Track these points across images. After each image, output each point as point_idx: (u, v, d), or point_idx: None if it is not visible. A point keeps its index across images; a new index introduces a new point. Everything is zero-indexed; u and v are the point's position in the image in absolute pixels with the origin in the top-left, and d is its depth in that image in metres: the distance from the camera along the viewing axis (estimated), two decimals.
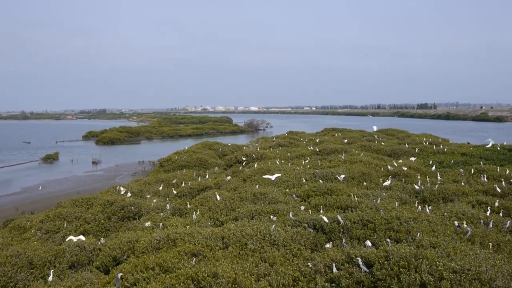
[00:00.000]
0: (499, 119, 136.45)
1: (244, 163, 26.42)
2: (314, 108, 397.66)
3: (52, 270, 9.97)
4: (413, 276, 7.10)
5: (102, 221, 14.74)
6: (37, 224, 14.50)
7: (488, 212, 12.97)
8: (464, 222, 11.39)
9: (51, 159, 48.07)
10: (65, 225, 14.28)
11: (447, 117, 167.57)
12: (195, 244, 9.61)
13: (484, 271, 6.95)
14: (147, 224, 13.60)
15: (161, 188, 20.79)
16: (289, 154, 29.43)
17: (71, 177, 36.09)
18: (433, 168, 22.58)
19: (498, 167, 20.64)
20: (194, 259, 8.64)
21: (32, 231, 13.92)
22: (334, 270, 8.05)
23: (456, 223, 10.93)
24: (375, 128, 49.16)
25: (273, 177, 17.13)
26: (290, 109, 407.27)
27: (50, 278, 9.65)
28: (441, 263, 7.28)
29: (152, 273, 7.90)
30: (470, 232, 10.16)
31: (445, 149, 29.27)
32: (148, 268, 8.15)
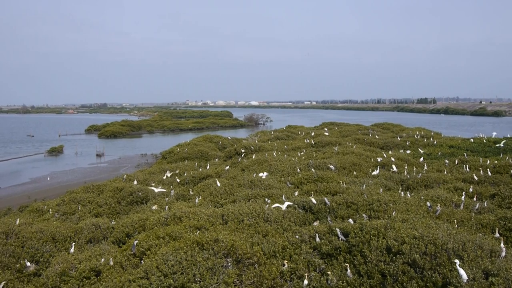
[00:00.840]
0: (497, 114, 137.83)
1: (243, 155, 27.84)
2: (314, 103, 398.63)
3: (74, 243, 11.41)
4: (380, 242, 8.53)
5: (113, 205, 16.19)
6: (54, 207, 15.95)
7: (463, 197, 14.40)
8: (438, 204, 12.81)
9: (56, 151, 49.49)
10: (79, 208, 15.74)
11: (446, 111, 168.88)
12: (198, 220, 11.04)
13: (439, 238, 8.36)
14: (154, 207, 15.00)
15: (164, 177, 22.21)
16: (286, 146, 30.85)
17: (76, 168, 37.55)
18: (421, 159, 23.98)
19: (481, 158, 22.04)
20: (198, 231, 10.07)
21: (50, 213, 15.37)
22: (317, 239, 9.47)
23: (428, 203, 12.37)
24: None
25: (264, 175, 18.30)
26: (290, 103, 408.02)
27: (72, 250, 11.07)
28: (405, 232, 8.70)
29: (162, 241, 9.33)
30: (439, 211, 11.59)
31: (435, 142, 30.66)
32: (159, 237, 9.58)
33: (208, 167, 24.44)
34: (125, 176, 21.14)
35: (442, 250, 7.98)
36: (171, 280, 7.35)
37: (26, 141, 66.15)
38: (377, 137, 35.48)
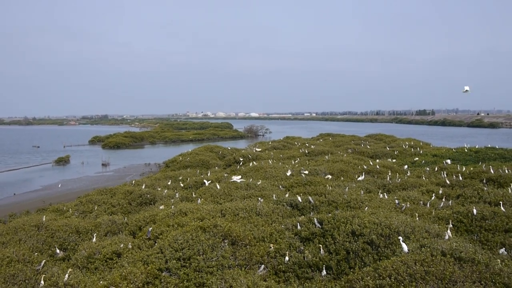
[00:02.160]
0: (492, 125, 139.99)
1: (241, 163, 29.94)
2: (314, 114, 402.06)
3: (95, 234, 13.47)
4: (347, 227, 10.60)
5: (125, 205, 18.28)
6: (73, 207, 18.04)
7: (433, 197, 16.48)
8: (408, 202, 14.88)
9: (63, 161, 51.61)
10: (95, 207, 17.82)
11: (443, 123, 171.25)
12: (201, 214, 13.11)
13: (394, 224, 10.42)
14: (162, 207, 17.05)
15: (169, 183, 24.30)
16: (281, 155, 32.98)
17: (84, 177, 39.62)
18: (406, 167, 26.09)
19: (458, 166, 24.12)
20: (201, 222, 12.14)
21: (70, 212, 17.45)
22: (298, 227, 11.54)
23: (396, 201, 14.46)
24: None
25: (238, 179, 20.31)
26: (290, 115, 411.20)
27: (94, 239, 13.12)
28: (367, 220, 10.78)
29: (172, 228, 11.40)
30: (404, 207, 13.68)
31: (421, 152, 32.79)
32: (169, 225, 11.66)
33: (209, 174, 26.51)
34: (133, 182, 23.23)
35: (394, 233, 10.06)
36: (181, 253, 9.43)
37: (33, 152, 68.25)
38: (368, 147, 37.65)
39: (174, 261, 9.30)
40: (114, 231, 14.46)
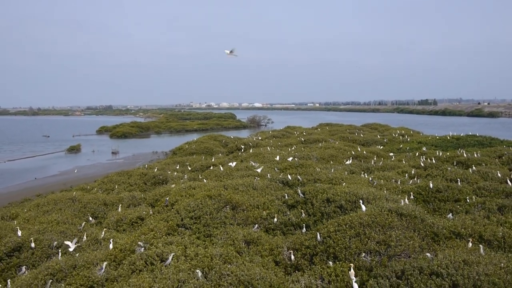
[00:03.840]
0: (492, 115, 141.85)
1: (242, 150, 32.76)
2: (317, 105, 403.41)
3: (120, 205, 16.35)
4: (324, 195, 13.41)
5: (141, 184, 21.17)
6: (96, 186, 20.96)
7: (406, 176, 19.24)
8: (382, 180, 17.65)
9: (75, 150, 54.66)
10: (116, 186, 20.71)
11: (444, 113, 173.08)
12: (207, 188, 15.95)
13: (360, 193, 13.20)
14: (173, 186, 19.91)
15: (177, 167, 27.15)
16: (279, 143, 35.77)
17: (97, 163, 42.60)
18: (391, 154, 28.81)
19: (438, 151, 26.82)
20: (207, 192, 14.97)
21: (95, 190, 20.35)
22: (286, 197, 14.37)
23: (370, 178, 17.24)
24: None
25: (233, 164, 23.04)
26: (293, 105, 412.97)
27: (119, 209, 15.99)
28: (339, 190, 13.57)
29: (184, 197, 14.25)
30: (375, 183, 16.47)
31: (408, 139, 35.49)
32: (182, 195, 14.51)
33: (213, 160, 29.31)
34: (146, 165, 26.10)
35: (359, 199, 12.84)
36: (193, 214, 12.29)
37: (44, 141, 71.35)
38: (362, 135, 40.37)
39: (188, 219, 12.16)
40: (135, 203, 17.32)
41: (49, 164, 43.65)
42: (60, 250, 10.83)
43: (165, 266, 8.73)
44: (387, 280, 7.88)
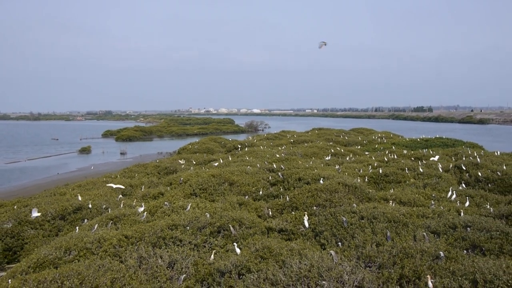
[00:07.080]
0: (482, 122, 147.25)
1: (239, 149, 37.66)
2: (315, 111, 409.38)
3: (143, 186, 21.17)
4: (297, 176, 18.30)
5: (156, 174, 26.00)
6: (119, 175, 25.77)
7: (370, 168, 24.12)
8: (347, 169, 22.52)
9: (86, 151, 59.54)
10: (136, 175, 25.55)
11: (437, 119, 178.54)
12: (210, 172, 20.80)
13: (322, 174, 18.06)
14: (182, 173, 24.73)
15: (182, 161, 31.97)
16: (272, 143, 40.70)
17: (110, 162, 47.44)
18: (367, 152, 33.71)
19: (405, 150, 31.72)
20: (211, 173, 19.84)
21: (118, 177, 25.17)
22: (270, 178, 19.25)
23: (336, 166, 22.15)
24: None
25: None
26: (291, 111, 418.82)
27: (143, 189, 20.78)
28: (309, 172, 18.45)
29: (194, 177, 19.11)
30: (340, 169, 21.36)
31: (385, 141, 40.43)
32: (192, 176, 19.38)
33: (214, 156, 34.18)
34: (157, 160, 30.96)
35: (321, 177, 17.70)
36: (201, 186, 17.20)
37: (53, 144, 76.14)
38: (346, 138, 45.34)
39: (198, 190, 17.05)
40: (153, 185, 22.14)
41: (65, 162, 48.47)
42: (109, 210, 15.66)
43: (186, 211, 13.59)
44: (324, 217, 12.72)
